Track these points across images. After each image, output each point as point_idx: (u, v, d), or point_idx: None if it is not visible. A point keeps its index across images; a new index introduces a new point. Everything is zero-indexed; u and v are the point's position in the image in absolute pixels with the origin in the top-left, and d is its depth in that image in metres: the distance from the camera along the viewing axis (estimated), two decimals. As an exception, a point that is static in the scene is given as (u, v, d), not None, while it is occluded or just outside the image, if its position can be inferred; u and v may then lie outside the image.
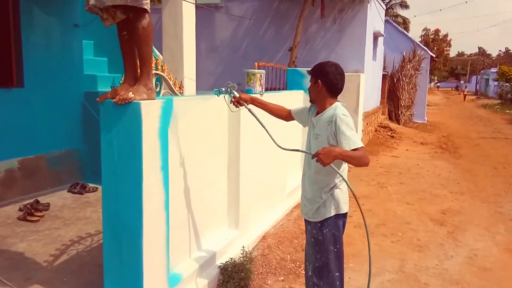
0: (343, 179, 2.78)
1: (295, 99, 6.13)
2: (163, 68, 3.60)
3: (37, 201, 5.11)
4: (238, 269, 3.66)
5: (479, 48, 77.03)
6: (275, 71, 9.24)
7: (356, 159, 2.57)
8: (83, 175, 6.33)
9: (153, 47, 6.89)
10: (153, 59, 3.21)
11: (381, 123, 14.70)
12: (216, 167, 3.99)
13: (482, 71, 56.65)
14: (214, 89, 3.18)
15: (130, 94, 2.61)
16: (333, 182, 2.83)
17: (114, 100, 2.61)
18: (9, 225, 4.53)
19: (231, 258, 3.77)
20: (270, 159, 4.98)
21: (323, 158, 2.51)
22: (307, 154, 2.91)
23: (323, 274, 2.88)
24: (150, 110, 2.69)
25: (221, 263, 3.73)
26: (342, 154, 2.53)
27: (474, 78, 62.71)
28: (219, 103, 3.94)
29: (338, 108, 2.80)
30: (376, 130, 13.68)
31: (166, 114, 2.86)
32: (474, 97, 46.33)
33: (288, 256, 4.36)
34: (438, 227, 5.66)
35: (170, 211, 3.07)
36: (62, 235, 4.31)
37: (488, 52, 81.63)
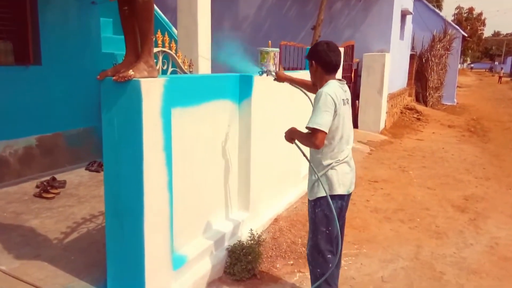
0: (303, 153, 2.95)
1: (313, 79, 5.95)
2: (171, 45, 3.51)
3: (54, 178, 5.17)
4: (246, 251, 3.60)
5: (516, 27, 73.57)
6: (297, 51, 9.03)
7: (303, 140, 2.78)
8: (101, 153, 6.35)
9: (170, 24, 6.78)
10: (155, 35, 3.13)
11: (407, 105, 14.30)
12: (226, 147, 3.91)
13: (518, 52, 54.29)
14: (259, 71, 3.48)
15: (130, 72, 2.54)
16: (327, 161, 2.79)
17: (114, 78, 2.55)
18: (25, 202, 4.60)
19: (240, 241, 3.72)
20: (283, 140, 4.85)
21: (286, 137, 2.97)
22: None
23: (314, 254, 2.89)
24: (150, 88, 2.61)
25: (229, 245, 3.68)
26: (296, 135, 2.87)
27: (509, 59, 60.25)
28: (227, 81, 3.85)
29: (326, 85, 2.77)
30: (401, 112, 13.32)
31: (170, 93, 2.78)
32: (508, 78, 44.58)
33: (300, 240, 4.28)
34: (459, 214, 5.46)
35: (175, 192, 3.03)
36: (75, 212, 4.35)
37: (526, 32, 78.04)
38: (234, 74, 3.96)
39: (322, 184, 2.74)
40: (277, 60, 4.37)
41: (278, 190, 4.91)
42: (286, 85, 3.54)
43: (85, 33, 6.13)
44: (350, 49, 9.50)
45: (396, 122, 12.28)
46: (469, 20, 42.90)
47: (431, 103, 17.30)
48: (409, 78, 15.72)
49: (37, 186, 5.02)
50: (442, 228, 4.94)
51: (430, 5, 19.48)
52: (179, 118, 3.16)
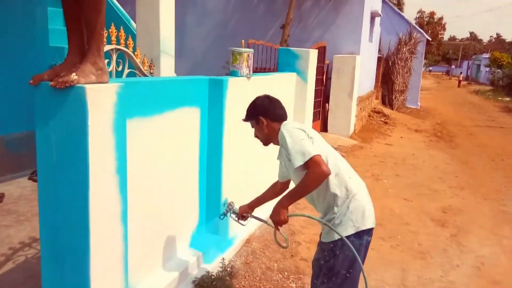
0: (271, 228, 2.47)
1: (287, 82, 5.50)
2: (128, 42, 2.93)
3: (-11, 192, 4.46)
4: (215, 284, 3.09)
5: (471, 33, 76.57)
6: (266, 50, 8.56)
7: (302, 190, 2.24)
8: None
9: (129, 18, 6.10)
10: (108, 30, 2.56)
11: (374, 108, 14.14)
12: (193, 162, 3.38)
13: (473, 57, 56.25)
14: (219, 215, 2.92)
15: (73, 76, 1.97)
16: (341, 190, 2.31)
17: (52, 83, 1.97)
18: (-48, 221, 3.89)
19: (208, 271, 3.20)
20: (257, 152, 4.37)
21: (275, 220, 2.33)
22: (291, 171, 2.42)
23: None
24: (99, 97, 2.05)
25: (196, 278, 3.16)
26: (287, 201, 2.30)
27: (465, 63, 62.36)
28: (195, 86, 3.33)
29: (280, 128, 2.40)
30: (369, 116, 13.13)
31: (125, 101, 2.22)
32: (465, 82, 46.02)
33: (275, 264, 3.80)
34: (440, 229, 5.16)
35: (131, 219, 2.49)
36: (12, 235, 3.69)
37: (479, 38, 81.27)
38: (203, 77, 3.43)
39: (351, 219, 2.28)
40: (250, 62, 3.89)
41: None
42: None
43: (30, 23, 5.37)
44: (321, 51, 9.13)
45: (364, 125, 12.06)
46: (430, 24, 43.94)
47: (396, 106, 17.27)
48: (376, 81, 15.60)
49: (-31, 201, 4.30)
50: (425, 246, 4.60)
51: (396, 8, 19.53)
52: (136, 130, 2.62)
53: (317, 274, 2.49)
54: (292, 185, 2.76)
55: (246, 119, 2.55)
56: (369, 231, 2.36)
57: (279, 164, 2.67)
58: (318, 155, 2.18)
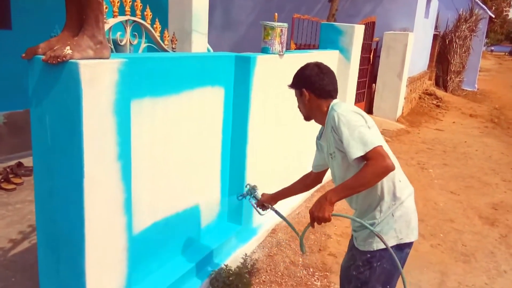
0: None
1: (327, 60, 5.08)
2: (145, 13, 2.69)
3: (20, 164, 4.47)
4: (231, 280, 2.88)
5: (541, 10, 70.67)
6: (312, 25, 8.12)
7: (359, 185, 1.85)
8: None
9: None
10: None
11: (426, 90, 13.30)
12: (213, 147, 3.15)
13: (542, 36, 52.05)
14: (237, 195, 2.69)
15: (67, 50, 1.76)
16: (393, 194, 2.02)
17: (43, 57, 1.77)
18: (-20, 192, 3.91)
19: (226, 265, 2.99)
20: (286, 134, 4.09)
21: (317, 216, 1.86)
22: (336, 161, 2.10)
23: None
24: (96, 74, 1.82)
25: (212, 271, 2.96)
26: (336, 195, 1.87)
27: (531, 43, 57.91)
28: (218, 63, 3.06)
29: (331, 108, 2.07)
30: (420, 98, 12.36)
31: (129, 80, 2.00)
32: (530, 64, 42.81)
33: (300, 259, 3.55)
34: (488, 228, 4.69)
35: (139, 208, 2.33)
36: (34, 211, 3.64)
37: (550, 16, 74.94)
38: (228, 54, 3.16)
39: (395, 229, 2.01)
40: (284, 38, 3.55)
41: (278, 193, 4.14)
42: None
43: None
44: (370, 26, 8.55)
45: (414, 108, 11.36)
46: (494, 0, 40.85)
47: (451, 88, 16.21)
48: (431, 60, 14.60)
49: (0, 173, 4.32)
50: (469, 247, 4.18)
51: (457, -19, 18.13)
52: (148, 111, 2.41)
53: (345, 285, 2.22)
54: (326, 178, 2.51)
55: (291, 86, 2.25)
56: (410, 244, 2.07)
57: (316, 151, 2.37)
58: (381, 146, 1.85)
